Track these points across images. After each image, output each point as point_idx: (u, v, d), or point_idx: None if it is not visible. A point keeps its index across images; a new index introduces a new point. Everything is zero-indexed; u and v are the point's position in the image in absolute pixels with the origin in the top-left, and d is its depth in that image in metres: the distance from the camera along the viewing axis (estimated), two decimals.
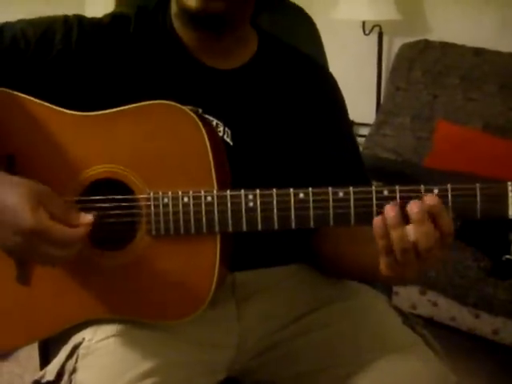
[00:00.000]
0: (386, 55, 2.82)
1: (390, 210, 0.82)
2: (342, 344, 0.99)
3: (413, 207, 0.81)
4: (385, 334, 0.99)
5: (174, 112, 0.91)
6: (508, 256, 1.86)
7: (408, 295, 2.02)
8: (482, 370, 1.98)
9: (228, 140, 1.02)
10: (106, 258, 0.92)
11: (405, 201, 0.82)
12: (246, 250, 0.98)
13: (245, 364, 1.02)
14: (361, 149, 1.19)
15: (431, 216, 0.81)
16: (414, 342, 0.98)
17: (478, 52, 2.47)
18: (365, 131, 2.69)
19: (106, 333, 0.93)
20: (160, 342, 0.93)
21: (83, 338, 0.94)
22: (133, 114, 0.92)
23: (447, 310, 1.96)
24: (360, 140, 2.57)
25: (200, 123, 0.90)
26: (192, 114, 0.90)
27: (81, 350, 0.93)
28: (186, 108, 0.90)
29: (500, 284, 1.82)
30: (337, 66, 1.37)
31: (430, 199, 0.81)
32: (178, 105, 0.90)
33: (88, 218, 0.86)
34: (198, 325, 0.96)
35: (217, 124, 1.01)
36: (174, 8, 1.03)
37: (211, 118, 0.99)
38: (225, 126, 1.01)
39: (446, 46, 2.54)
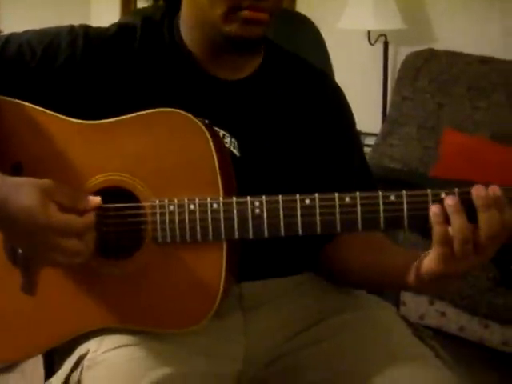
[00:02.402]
0: (392, 65, 2.81)
1: (449, 199, 0.81)
2: (350, 355, 0.97)
3: (480, 192, 0.80)
4: (394, 346, 0.97)
5: (180, 120, 0.90)
6: None
7: (416, 306, 2.00)
8: (491, 380, 1.96)
9: (235, 151, 1.01)
10: (111, 266, 0.92)
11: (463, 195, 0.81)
12: (253, 260, 0.97)
13: (253, 375, 1.01)
14: (367, 159, 1.18)
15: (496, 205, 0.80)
16: (424, 353, 0.97)
17: (485, 61, 2.47)
18: (371, 141, 2.68)
19: (112, 344, 0.92)
20: (166, 353, 0.92)
21: (88, 350, 0.93)
22: (139, 122, 0.92)
23: (456, 320, 1.95)
24: (366, 150, 2.56)
25: (206, 130, 0.90)
26: (198, 122, 0.90)
27: (85, 362, 0.92)
28: (192, 116, 0.90)
29: (510, 294, 1.80)
30: (342, 75, 1.37)
31: (495, 189, 0.80)
32: (184, 112, 0.90)
33: (96, 200, 0.87)
34: (204, 336, 0.95)
35: (223, 135, 1.00)
36: (187, 21, 1.03)
37: (218, 129, 0.98)
38: (231, 136, 1.01)
39: (451, 55, 2.54)
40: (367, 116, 2.40)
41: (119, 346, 0.92)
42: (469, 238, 0.81)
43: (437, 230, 0.82)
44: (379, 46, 2.77)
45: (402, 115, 2.54)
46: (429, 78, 2.53)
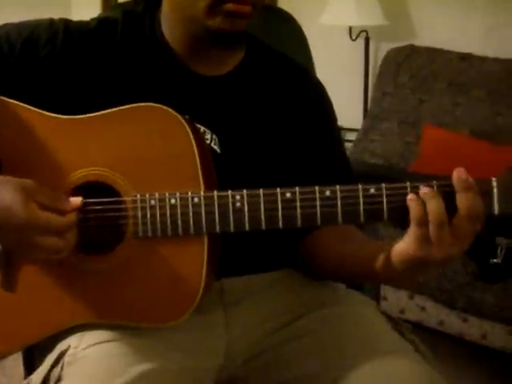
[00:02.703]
0: (373, 60, 2.82)
1: (425, 188, 0.83)
2: (330, 350, 0.98)
3: (461, 174, 0.82)
4: (373, 340, 0.98)
5: (161, 114, 0.90)
6: (495, 260, 1.86)
7: (396, 300, 2.02)
8: (471, 374, 1.98)
9: (216, 147, 1.01)
10: (92, 262, 0.91)
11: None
12: (234, 256, 0.97)
13: (233, 371, 1.01)
14: (348, 154, 1.19)
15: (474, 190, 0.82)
16: (404, 347, 0.97)
17: (465, 57, 2.48)
18: (352, 136, 2.69)
19: (92, 340, 0.92)
20: (147, 348, 0.92)
21: (69, 346, 0.93)
22: (119, 117, 0.91)
23: (435, 314, 1.96)
24: (347, 145, 2.57)
25: (187, 125, 0.90)
26: (179, 117, 0.90)
27: (66, 358, 0.91)
28: (173, 111, 0.90)
29: (488, 288, 1.82)
30: (324, 71, 1.37)
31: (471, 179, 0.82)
32: (165, 107, 0.90)
33: (77, 201, 0.88)
34: (185, 331, 0.95)
35: (204, 131, 1.00)
36: (169, 15, 1.02)
37: (198, 126, 0.98)
38: (212, 133, 1.01)
39: (432, 52, 2.55)
40: (348, 111, 2.41)
41: (100, 342, 0.92)
42: (444, 221, 0.81)
43: (413, 211, 0.82)
44: (360, 42, 2.77)
45: (382, 111, 2.55)
46: (409, 74, 2.54)
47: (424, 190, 0.83)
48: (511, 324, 1.83)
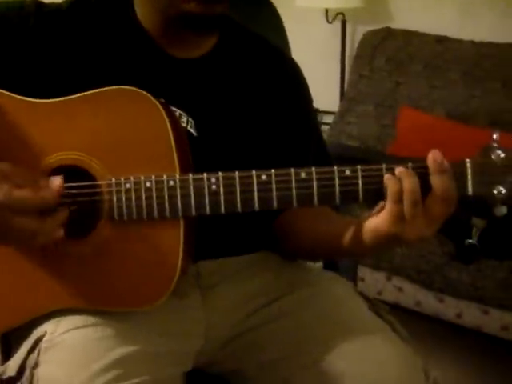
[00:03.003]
0: (350, 43, 2.82)
1: (400, 168, 0.84)
2: (308, 331, 0.98)
3: (436, 156, 0.83)
4: (351, 321, 0.99)
5: (136, 97, 0.89)
6: (470, 240, 1.89)
7: (374, 282, 2.03)
8: (446, 353, 2.01)
9: (192, 131, 1.00)
10: (68, 246, 0.90)
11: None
12: (210, 239, 0.97)
13: (211, 354, 1.02)
14: (325, 137, 1.19)
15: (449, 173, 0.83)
16: (381, 328, 0.98)
17: (441, 40, 2.49)
18: (329, 119, 2.69)
19: (69, 325, 0.92)
20: (124, 333, 0.92)
21: (45, 332, 0.92)
22: (93, 100, 0.90)
23: (412, 295, 1.98)
24: (324, 128, 2.58)
25: (162, 108, 0.89)
26: (154, 100, 0.89)
27: (43, 344, 0.91)
28: (148, 94, 0.89)
29: (464, 268, 1.84)
30: (300, 54, 1.36)
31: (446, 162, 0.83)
32: (140, 90, 0.89)
33: (57, 181, 0.85)
34: (163, 315, 0.95)
35: (180, 114, 0.99)
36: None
37: (174, 109, 0.97)
38: (188, 116, 1.00)
39: (408, 34, 2.56)
40: (325, 94, 2.41)
41: (77, 327, 0.91)
42: (418, 200, 0.82)
43: (391, 188, 0.83)
44: (337, 25, 2.77)
45: (359, 93, 2.55)
46: (386, 57, 2.55)
47: (400, 169, 0.84)
48: (486, 303, 1.86)
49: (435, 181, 0.83)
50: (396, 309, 1.92)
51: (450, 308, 1.92)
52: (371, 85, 2.54)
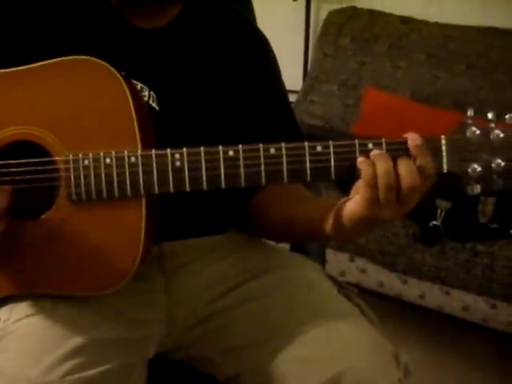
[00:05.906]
0: (314, 21, 2.81)
1: (375, 151, 0.80)
2: (277, 315, 0.96)
3: (416, 141, 0.80)
4: (320, 305, 0.97)
5: (95, 68, 0.84)
6: (435, 222, 1.90)
7: (337, 262, 2.03)
8: (409, 334, 2.02)
9: (154, 105, 0.96)
10: (23, 228, 0.85)
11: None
12: (174, 218, 0.94)
13: (175, 339, 0.99)
14: None
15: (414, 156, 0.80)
16: (350, 311, 0.97)
17: (406, 20, 2.49)
18: (292, 98, 2.66)
19: (24, 312, 0.88)
20: (84, 319, 0.88)
21: None
22: (49, 71, 0.85)
23: (376, 276, 1.98)
24: None
25: (122, 80, 0.84)
26: (114, 71, 0.84)
27: None
28: (108, 65, 0.84)
29: (427, 250, 1.84)
30: (265, 31, 1.33)
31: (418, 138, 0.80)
32: (100, 61, 0.84)
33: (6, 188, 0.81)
34: (124, 299, 0.92)
35: (141, 88, 0.95)
36: None
37: (136, 82, 0.93)
38: (150, 90, 0.96)
39: (373, 14, 2.56)
40: (288, 73, 2.36)
41: (32, 314, 0.87)
42: (393, 184, 0.80)
43: (365, 173, 0.80)
44: (302, 3, 2.75)
45: (323, 72, 2.53)
46: (351, 36, 2.54)
47: (374, 152, 0.81)
48: (447, 284, 1.87)
49: (421, 163, 0.80)
50: (359, 290, 1.92)
51: (412, 289, 1.93)
52: (335, 64, 2.52)
